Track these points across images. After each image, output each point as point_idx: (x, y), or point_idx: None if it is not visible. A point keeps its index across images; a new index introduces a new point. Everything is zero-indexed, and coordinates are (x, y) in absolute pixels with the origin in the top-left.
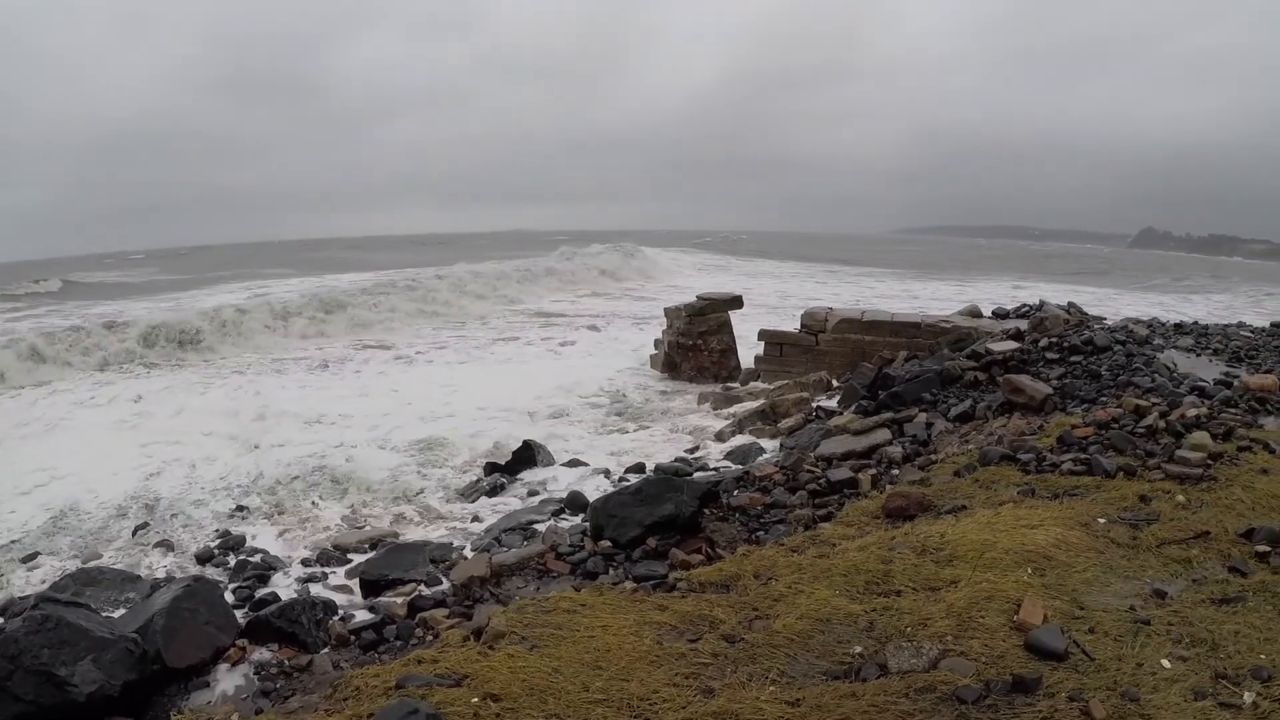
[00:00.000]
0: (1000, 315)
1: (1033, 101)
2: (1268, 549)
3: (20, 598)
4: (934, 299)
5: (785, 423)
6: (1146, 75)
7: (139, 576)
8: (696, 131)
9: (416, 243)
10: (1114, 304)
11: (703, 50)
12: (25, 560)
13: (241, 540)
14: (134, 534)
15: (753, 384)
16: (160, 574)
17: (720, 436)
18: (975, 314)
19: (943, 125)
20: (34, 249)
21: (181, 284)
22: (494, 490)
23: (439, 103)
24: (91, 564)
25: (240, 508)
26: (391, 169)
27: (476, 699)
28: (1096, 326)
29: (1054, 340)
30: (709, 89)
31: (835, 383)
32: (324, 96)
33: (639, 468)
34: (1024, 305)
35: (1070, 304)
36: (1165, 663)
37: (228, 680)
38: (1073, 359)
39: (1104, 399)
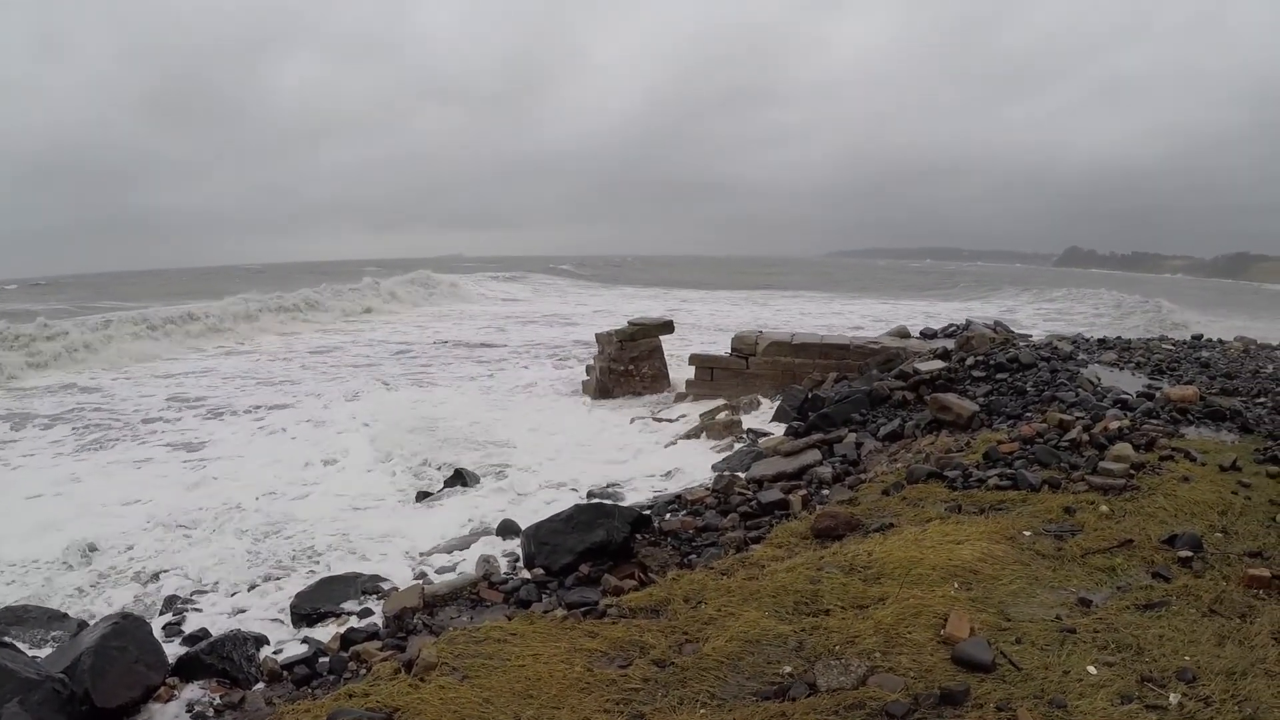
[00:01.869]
0: (928, 335)
1: (962, 124)
2: (1190, 554)
3: None
4: (837, 318)
5: (717, 445)
6: (1070, 98)
7: (66, 614)
8: (628, 155)
9: (318, 270)
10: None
11: (626, 75)
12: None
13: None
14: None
15: (683, 406)
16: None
17: (652, 460)
18: (903, 334)
19: (873, 149)
20: None
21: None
22: (426, 519)
23: (367, 126)
24: (18, 602)
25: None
26: (322, 193)
27: None
28: (1022, 344)
29: (980, 358)
30: (636, 113)
31: (766, 403)
32: (250, 117)
33: (572, 493)
34: (951, 325)
35: (997, 322)
36: (1091, 669)
37: None
38: (999, 376)
39: (1029, 414)
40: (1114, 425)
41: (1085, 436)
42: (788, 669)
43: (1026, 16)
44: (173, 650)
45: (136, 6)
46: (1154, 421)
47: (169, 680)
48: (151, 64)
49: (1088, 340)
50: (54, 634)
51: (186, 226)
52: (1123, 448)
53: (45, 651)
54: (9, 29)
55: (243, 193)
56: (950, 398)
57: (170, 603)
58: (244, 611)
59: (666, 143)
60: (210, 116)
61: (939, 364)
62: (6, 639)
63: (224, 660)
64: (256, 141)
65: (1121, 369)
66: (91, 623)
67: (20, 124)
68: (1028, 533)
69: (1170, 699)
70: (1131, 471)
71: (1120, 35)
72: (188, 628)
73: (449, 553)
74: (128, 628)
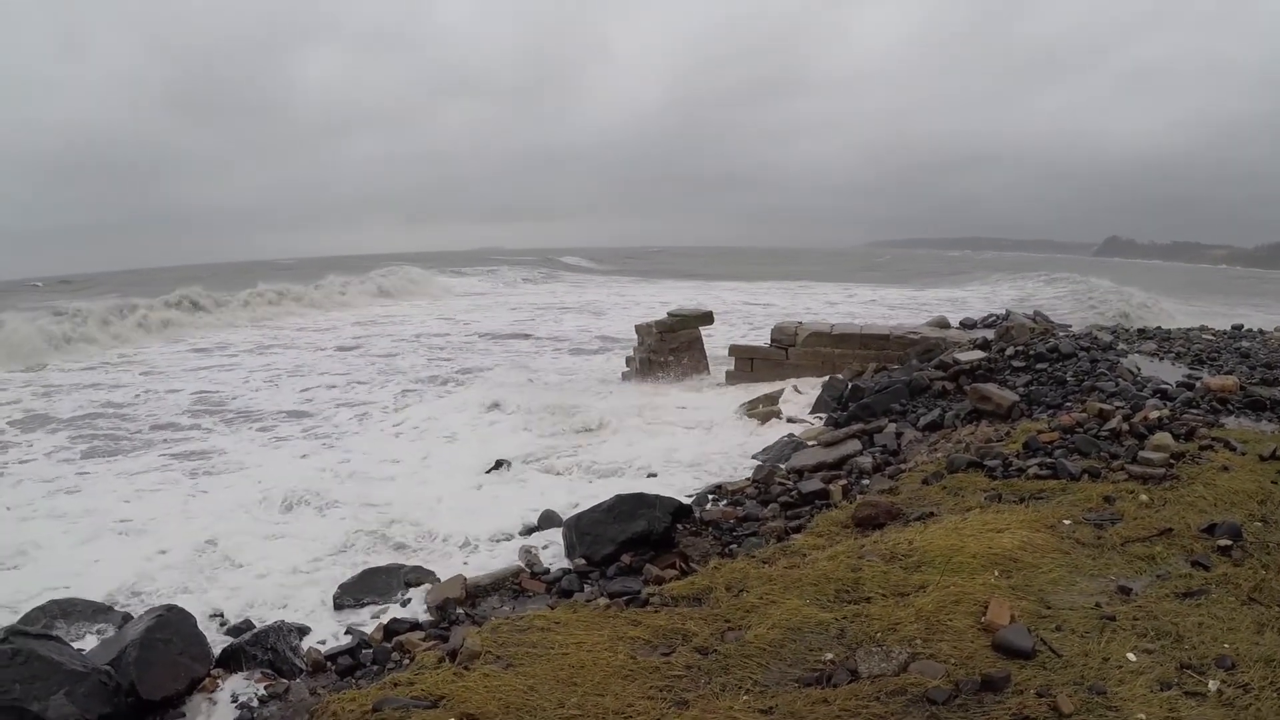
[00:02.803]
0: (968, 325)
1: (988, 115)
2: (1229, 543)
3: None
4: (861, 306)
5: (757, 435)
6: (1100, 86)
7: (111, 607)
8: (654, 147)
9: (349, 266)
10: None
11: (648, 67)
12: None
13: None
14: None
15: (723, 396)
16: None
17: (692, 450)
18: (943, 325)
19: (901, 139)
20: None
21: None
22: (468, 509)
23: (391, 120)
24: (63, 596)
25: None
26: (350, 187)
27: (453, 719)
28: (1061, 334)
29: (1020, 348)
30: (659, 105)
31: (806, 393)
32: (273, 112)
33: (612, 483)
34: (991, 315)
35: (1036, 312)
36: (1131, 656)
37: (204, 711)
38: (1038, 366)
39: (1069, 404)
40: (1154, 415)
41: (1125, 426)
42: (829, 656)
43: (1048, 6)
44: (217, 641)
45: (156, 4)
46: (1194, 411)
47: (213, 672)
48: (173, 60)
49: (1127, 330)
50: (99, 627)
51: (212, 222)
52: (1162, 437)
53: (91, 644)
54: (32, 28)
55: (269, 187)
56: (990, 388)
57: (215, 594)
58: (287, 603)
59: (692, 134)
60: (233, 111)
61: (979, 354)
62: (53, 632)
63: (268, 651)
64: (281, 136)
65: (1161, 359)
66: (136, 615)
67: (44, 122)
68: (1068, 521)
69: (1209, 686)
70: (1171, 461)
71: (1140, 23)
72: (231, 619)
73: (490, 543)
74: (172, 620)
